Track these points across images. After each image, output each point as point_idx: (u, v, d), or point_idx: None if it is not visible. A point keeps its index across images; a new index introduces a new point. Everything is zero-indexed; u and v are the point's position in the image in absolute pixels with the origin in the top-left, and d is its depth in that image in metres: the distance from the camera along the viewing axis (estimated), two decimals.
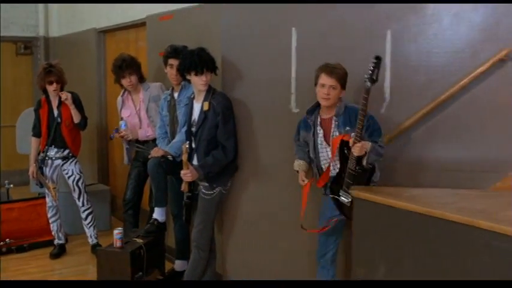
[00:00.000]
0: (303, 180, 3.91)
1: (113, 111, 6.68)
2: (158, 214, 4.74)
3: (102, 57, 7.27)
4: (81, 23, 7.67)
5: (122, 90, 5.46)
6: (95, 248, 5.60)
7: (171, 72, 4.71)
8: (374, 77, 3.46)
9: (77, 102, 5.51)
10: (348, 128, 3.75)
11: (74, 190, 5.66)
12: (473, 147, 3.99)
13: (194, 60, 4.17)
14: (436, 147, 4.05)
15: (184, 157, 4.23)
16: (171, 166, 4.53)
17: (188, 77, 4.27)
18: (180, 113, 4.66)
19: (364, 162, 3.61)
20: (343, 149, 3.69)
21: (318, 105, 3.89)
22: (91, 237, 5.80)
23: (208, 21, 4.71)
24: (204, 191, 4.35)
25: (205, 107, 4.23)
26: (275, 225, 4.48)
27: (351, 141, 3.58)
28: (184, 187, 4.39)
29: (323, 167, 3.89)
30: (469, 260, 2.81)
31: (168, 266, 5.16)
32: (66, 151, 5.59)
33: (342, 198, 3.74)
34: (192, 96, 4.40)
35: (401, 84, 4.06)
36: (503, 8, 3.90)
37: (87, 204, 5.73)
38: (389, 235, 3.23)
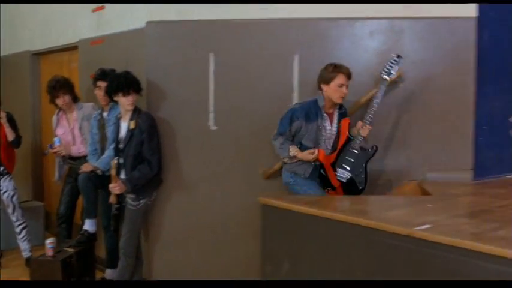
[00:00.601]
0: (312, 153, 4.23)
1: (47, 130, 6.92)
2: (88, 225, 5.05)
3: (37, 78, 7.50)
4: (16, 45, 7.89)
5: (57, 110, 5.74)
6: (28, 261, 5.78)
7: (99, 93, 5.06)
8: (392, 72, 4.21)
9: (11, 121, 5.75)
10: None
11: (8, 206, 5.87)
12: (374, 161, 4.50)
13: (121, 82, 4.55)
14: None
15: (113, 172, 4.59)
16: (100, 180, 4.89)
17: (115, 98, 4.63)
18: (109, 131, 5.00)
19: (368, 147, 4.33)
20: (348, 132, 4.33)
21: (314, 102, 4.32)
22: (25, 251, 5.99)
23: (135, 46, 5.08)
24: (130, 202, 4.70)
25: (132, 126, 4.60)
26: (197, 232, 4.88)
27: (360, 124, 4.26)
28: (112, 199, 4.73)
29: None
30: (354, 255, 3.28)
31: (99, 275, 5.44)
32: (1, 168, 5.80)
33: (339, 174, 4.27)
34: (119, 116, 4.76)
35: None
36: (396, 35, 4.47)
37: (22, 219, 5.94)
38: (291, 235, 3.69)
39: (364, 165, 4.30)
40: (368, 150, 4.32)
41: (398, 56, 4.21)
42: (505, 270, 2.59)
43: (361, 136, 4.26)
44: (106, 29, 5.56)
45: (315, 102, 4.30)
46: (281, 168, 4.49)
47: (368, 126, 4.24)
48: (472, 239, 2.81)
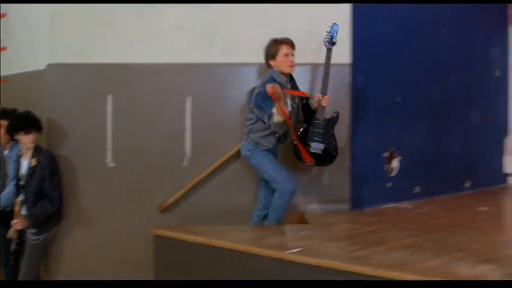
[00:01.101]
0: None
1: None
2: None
3: None
4: None
5: None
6: None
7: (0, 131, 5.23)
8: (334, 40, 4.63)
9: None
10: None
11: None
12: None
13: (22, 121, 4.77)
14: (231, 193, 4.95)
15: (17, 207, 4.76)
16: (0, 216, 5.03)
17: (17, 137, 4.84)
18: (9, 169, 5.17)
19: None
20: (307, 106, 4.68)
21: (271, 79, 4.52)
22: None
23: (37, 86, 5.29)
24: (31, 236, 4.87)
25: (33, 163, 4.80)
26: (97, 265, 5.09)
27: (319, 96, 4.60)
28: (12, 234, 4.88)
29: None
30: (236, 278, 3.65)
31: None
32: None
33: (313, 147, 4.61)
34: (20, 153, 4.96)
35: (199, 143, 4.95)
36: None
37: None
38: (181, 263, 4.03)
39: (332, 132, 4.68)
40: (332, 117, 4.70)
41: (333, 24, 4.65)
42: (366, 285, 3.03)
43: (322, 106, 4.61)
44: (8, 69, 5.74)
45: (272, 78, 4.54)
46: (176, 200, 4.83)
47: (326, 97, 4.60)
48: (335, 260, 3.25)
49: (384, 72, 5.42)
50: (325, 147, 4.63)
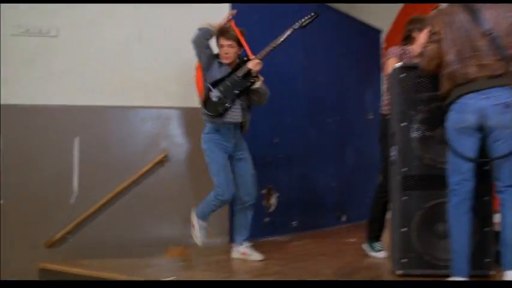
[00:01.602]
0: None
1: None
2: None
3: None
4: None
5: None
6: None
7: None
8: (304, 24, 4.49)
9: None
10: None
11: None
12: (145, 228, 5.24)
13: None
14: (117, 229, 5.23)
15: None
16: None
17: None
18: None
19: (258, 84, 4.50)
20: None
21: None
22: None
23: None
24: None
25: None
26: None
27: (251, 56, 4.49)
28: None
29: None
30: None
31: None
32: None
33: (213, 93, 4.48)
34: None
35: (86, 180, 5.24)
36: (163, 121, 5.34)
37: None
38: None
39: (236, 93, 4.48)
40: (248, 82, 4.49)
41: (315, 13, 4.53)
42: None
43: (247, 67, 4.47)
44: None
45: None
46: (63, 236, 5.07)
47: (257, 61, 4.44)
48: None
49: (263, 114, 5.91)
50: (220, 98, 4.47)
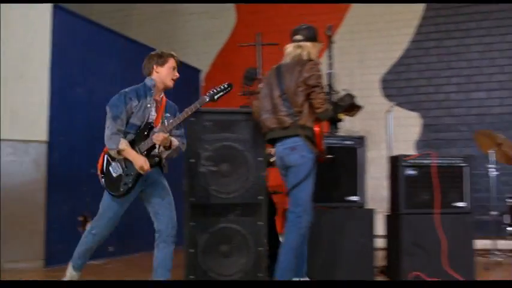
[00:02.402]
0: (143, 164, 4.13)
1: None
2: None
3: None
4: None
5: None
6: None
7: None
8: (215, 98, 4.28)
9: None
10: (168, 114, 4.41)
11: None
12: None
13: None
14: None
15: None
16: None
17: None
18: None
19: (164, 155, 4.28)
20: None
21: (143, 85, 4.35)
22: None
23: None
24: None
25: None
26: None
27: (156, 128, 4.20)
28: None
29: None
30: None
31: None
32: None
33: (112, 169, 4.23)
34: None
35: None
36: None
37: None
38: None
39: (136, 176, 4.18)
40: (153, 160, 4.24)
41: (229, 85, 4.36)
42: None
43: (151, 140, 4.17)
44: None
45: (143, 84, 4.36)
46: None
47: (162, 135, 4.12)
48: None
49: (79, 148, 6.39)
50: (119, 175, 4.22)
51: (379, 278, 5.30)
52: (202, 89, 9.25)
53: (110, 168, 4.25)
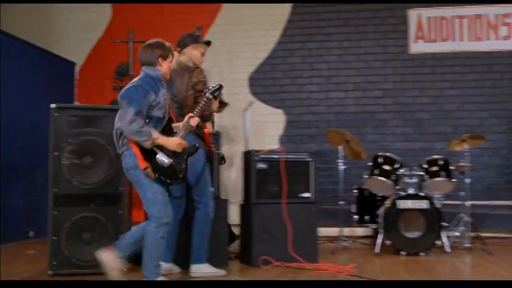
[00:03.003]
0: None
1: None
2: None
3: None
4: None
5: None
6: None
7: None
8: (215, 94, 4.67)
9: None
10: None
11: None
12: None
13: None
14: None
15: None
16: None
17: None
18: None
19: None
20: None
21: (153, 79, 4.38)
22: None
23: None
24: None
25: None
26: None
27: (189, 115, 4.49)
28: None
29: None
30: None
31: None
32: None
33: (161, 158, 4.23)
34: None
35: None
36: None
37: None
38: None
39: (185, 157, 4.40)
40: (191, 146, 4.47)
41: (221, 86, 4.74)
42: None
43: (189, 125, 4.45)
44: None
45: (151, 77, 4.38)
46: None
47: (196, 118, 4.50)
48: None
49: None
50: (171, 163, 4.29)
51: (234, 262, 5.81)
52: (77, 82, 9.38)
53: (157, 160, 4.25)
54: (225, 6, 9.18)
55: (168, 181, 4.31)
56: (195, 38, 5.34)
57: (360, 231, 7.75)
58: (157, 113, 4.32)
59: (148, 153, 4.21)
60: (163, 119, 4.40)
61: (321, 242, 6.46)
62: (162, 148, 4.25)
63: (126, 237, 4.43)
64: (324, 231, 7.30)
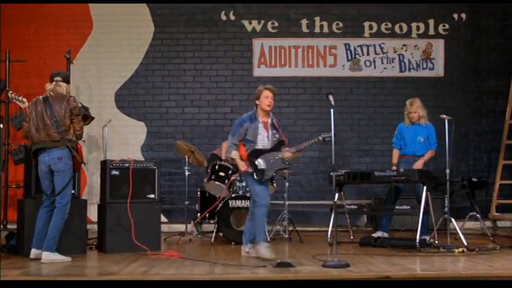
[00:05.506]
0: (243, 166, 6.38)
1: None
2: None
3: None
4: None
5: None
6: None
7: None
8: (326, 139, 7.07)
9: None
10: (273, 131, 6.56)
11: None
12: None
13: None
14: None
15: None
16: None
17: None
18: None
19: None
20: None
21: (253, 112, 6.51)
22: None
23: None
24: None
25: None
26: None
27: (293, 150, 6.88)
28: None
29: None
30: None
31: None
32: None
33: (259, 161, 6.39)
34: None
35: None
36: None
37: None
38: None
39: (276, 169, 6.59)
40: (285, 163, 6.60)
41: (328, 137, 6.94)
42: None
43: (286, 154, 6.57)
44: None
45: (254, 112, 6.52)
46: None
47: (288, 153, 6.62)
48: None
49: None
50: (267, 167, 6.38)
51: (92, 251, 7.06)
52: None
53: (257, 162, 6.37)
54: (95, 29, 10.40)
55: (255, 176, 6.46)
56: (69, 79, 6.71)
57: (204, 226, 9.16)
58: (248, 136, 6.48)
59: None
60: (254, 142, 6.52)
61: (170, 235, 8.00)
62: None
63: None
64: (174, 227, 8.80)
